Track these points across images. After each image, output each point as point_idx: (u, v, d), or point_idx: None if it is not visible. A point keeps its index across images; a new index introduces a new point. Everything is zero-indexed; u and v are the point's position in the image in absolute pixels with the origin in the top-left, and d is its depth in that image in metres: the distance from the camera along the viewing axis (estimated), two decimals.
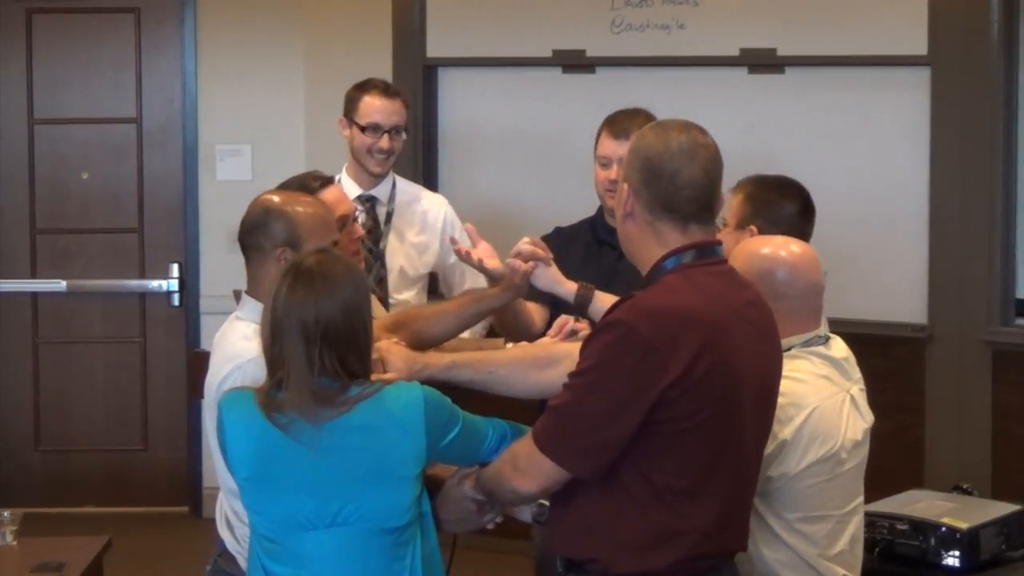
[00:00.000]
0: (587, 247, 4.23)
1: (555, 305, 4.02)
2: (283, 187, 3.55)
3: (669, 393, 2.69)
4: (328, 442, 2.86)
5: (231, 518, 3.22)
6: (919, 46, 5.64)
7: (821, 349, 3.24)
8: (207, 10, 6.86)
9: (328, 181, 3.64)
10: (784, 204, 3.73)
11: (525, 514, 3.12)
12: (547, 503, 2.99)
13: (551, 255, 3.60)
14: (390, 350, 3.10)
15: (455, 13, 6.43)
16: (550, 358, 3.05)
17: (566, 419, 2.77)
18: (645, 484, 2.74)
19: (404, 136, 4.78)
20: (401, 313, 3.67)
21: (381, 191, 4.76)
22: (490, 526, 3.12)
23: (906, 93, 5.72)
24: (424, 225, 4.80)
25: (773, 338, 2.92)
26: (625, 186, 2.85)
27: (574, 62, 6.21)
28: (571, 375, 2.79)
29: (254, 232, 3.23)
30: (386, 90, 4.77)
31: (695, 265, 2.81)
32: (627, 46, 6.09)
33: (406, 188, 4.87)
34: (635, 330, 2.70)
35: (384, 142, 4.70)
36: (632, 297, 2.80)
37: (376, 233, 4.72)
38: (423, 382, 3.00)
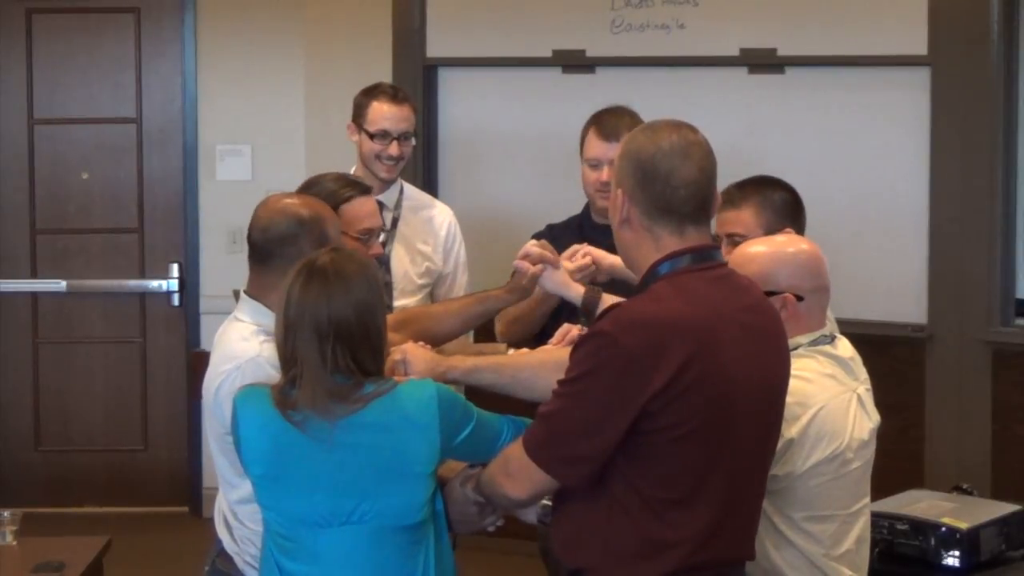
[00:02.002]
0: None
1: (559, 309, 4.04)
2: (311, 185, 3.52)
3: (654, 404, 2.66)
4: (343, 439, 2.86)
5: (229, 519, 3.22)
6: (919, 46, 5.64)
7: (828, 348, 3.23)
8: (207, 10, 6.86)
9: (366, 190, 3.61)
10: (783, 196, 3.71)
11: (530, 515, 3.12)
12: (551, 503, 2.99)
13: (559, 258, 3.60)
14: (414, 352, 3.10)
15: (455, 13, 6.43)
16: None
17: (553, 427, 2.75)
18: (633, 494, 2.72)
19: (413, 141, 4.77)
20: (405, 312, 3.68)
21: (388, 197, 4.74)
22: (491, 528, 3.12)
23: (906, 93, 5.72)
24: (429, 233, 4.79)
25: (776, 341, 2.88)
26: (619, 191, 2.81)
27: (574, 62, 6.21)
28: (559, 383, 2.77)
29: (283, 242, 3.17)
30: (394, 96, 4.75)
31: (690, 270, 2.77)
32: (627, 46, 6.09)
33: (414, 195, 4.85)
34: (617, 341, 2.66)
35: (393, 148, 4.69)
36: (618, 306, 2.77)
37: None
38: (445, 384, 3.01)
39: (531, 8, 6.28)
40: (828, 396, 3.16)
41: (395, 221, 4.75)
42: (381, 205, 4.73)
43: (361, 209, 3.53)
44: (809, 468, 3.11)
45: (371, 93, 4.77)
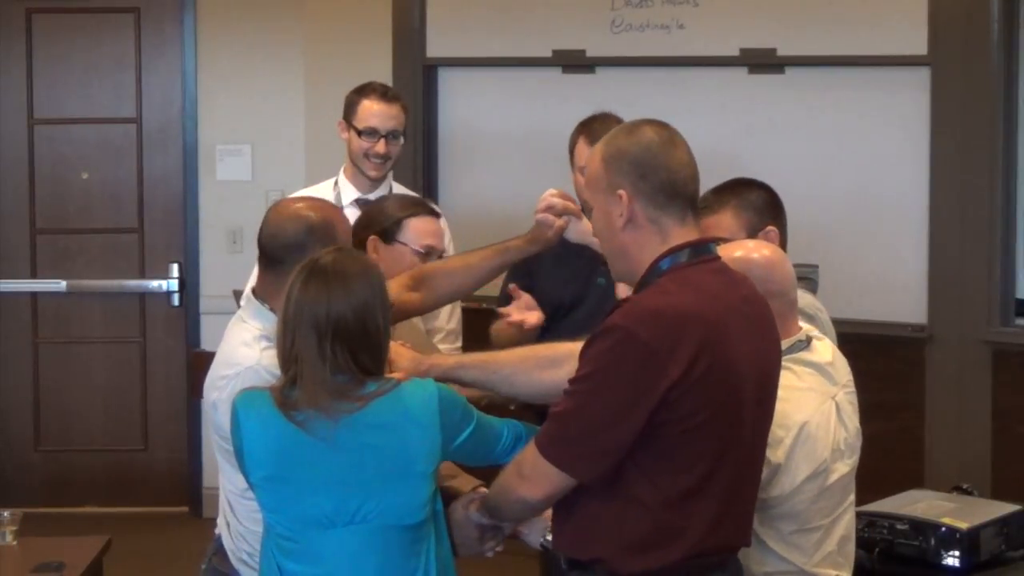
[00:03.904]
0: (562, 246, 4.18)
1: (556, 311, 4.03)
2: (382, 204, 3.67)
3: (670, 395, 2.68)
4: (346, 439, 2.86)
5: (228, 515, 3.23)
6: (919, 46, 5.64)
7: (804, 355, 3.21)
8: (207, 10, 6.86)
9: (431, 211, 3.77)
10: (761, 195, 3.70)
11: (533, 539, 3.13)
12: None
13: (580, 207, 3.55)
14: (398, 351, 3.11)
15: (455, 13, 6.43)
16: (555, 358, 3.04)
17: (569, 425, 2.76)
18: (647, 484, 2.74)
19: (401, 141, 4.77)
20: (422, 268, 3.65)
21: (378, 196, 4.75)
22: (490, 554, 3.12)
23: (906, 93, 5.71)
24: None
25: (770, 332, 2.92)
26: (621, 193, 2.80)
27: (574, 62, 6.21)
28: (571, 381, 2.78)
29: (292, 250, 3.13)
30: (384, 94, 4.76)
31: (691, 264, 2.80)
32: (627, 46, 6.09)
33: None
34: (633, 334, 2.69)
35: (380, 146, 4.69)
36: (628, 301, 2.79)
37: None
38: None
39: (531, 8, 6.28)
40: (808, 413, 3.15)
41: None
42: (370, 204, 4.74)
43: (424, 226, 3.69)
44: (797, 486, 3.12)
45: (362, 91, 4.79)
